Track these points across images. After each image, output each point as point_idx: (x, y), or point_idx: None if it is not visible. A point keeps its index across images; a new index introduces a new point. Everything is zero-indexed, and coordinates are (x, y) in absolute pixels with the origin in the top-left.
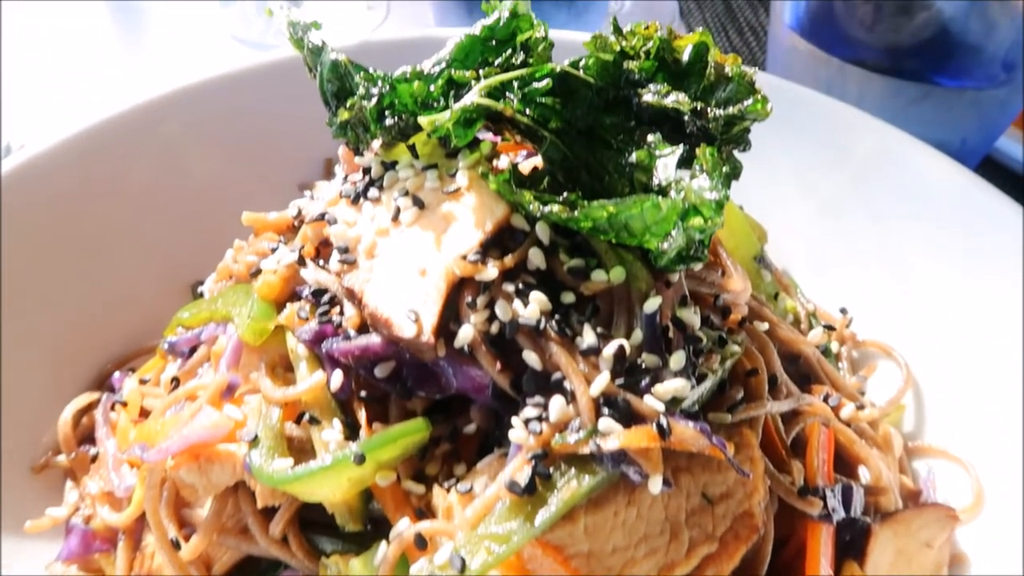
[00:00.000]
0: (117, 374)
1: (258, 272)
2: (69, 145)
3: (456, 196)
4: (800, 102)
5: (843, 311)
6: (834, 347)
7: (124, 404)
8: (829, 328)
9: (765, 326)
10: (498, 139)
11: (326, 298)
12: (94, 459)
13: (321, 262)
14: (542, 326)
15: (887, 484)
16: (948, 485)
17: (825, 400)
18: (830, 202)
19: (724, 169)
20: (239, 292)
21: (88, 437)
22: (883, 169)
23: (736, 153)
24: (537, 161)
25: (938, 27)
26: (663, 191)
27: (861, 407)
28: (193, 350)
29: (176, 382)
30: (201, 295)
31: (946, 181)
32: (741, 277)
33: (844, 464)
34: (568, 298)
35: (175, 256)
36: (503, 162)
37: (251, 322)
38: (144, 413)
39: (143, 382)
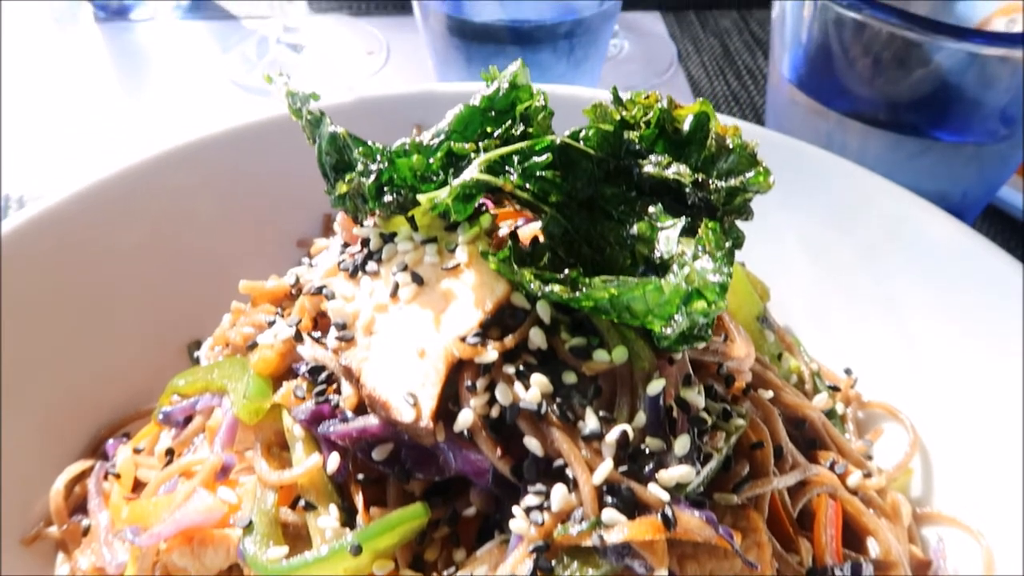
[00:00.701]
0: (111, 441)
1: (255, 345)
2: (64, 207)
3: (455, 273)
4: (802, 159)
5: (847, 371)
6: (839, 408)
7: (117, 476)
8: (834, 388)
9: (769, 393)
10: (495, 210)
11: (323, 376)
12: (86, 532)
13: (318, 334)
14: (543, 410)
15: (897, 558)
16: (959, 554)
17: (831, 468)
18: (832, 259)
19: (727, 244)
20: (235, 365)
21: (80, 507)
22: (886, 227)
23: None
24: (537, 227)
25: (937, 82)
26: (665, 264)
27: (868, 475)
28: (188, 419)
29: (171, 454)
30: (197, 360)
31: (949, 240)
32: (745, 342)
33: (852, 535)
34: (570, 378)
35: (172, 315)
36: (503, 229)
37: (247, 402)
38: (138, 483)
39: (137, 451)
